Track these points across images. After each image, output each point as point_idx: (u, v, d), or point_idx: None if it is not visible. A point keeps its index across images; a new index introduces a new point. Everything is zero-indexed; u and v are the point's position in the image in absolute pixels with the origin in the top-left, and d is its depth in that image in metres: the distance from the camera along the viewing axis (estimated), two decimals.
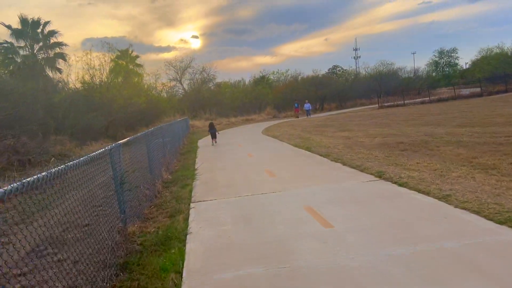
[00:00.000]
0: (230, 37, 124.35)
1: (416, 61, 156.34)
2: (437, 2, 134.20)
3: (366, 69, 64.36)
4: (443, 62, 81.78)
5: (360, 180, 8.64)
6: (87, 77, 29.63)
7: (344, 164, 10.77)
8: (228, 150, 17.47)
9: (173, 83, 61.86)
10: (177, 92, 63.43)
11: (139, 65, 58.92)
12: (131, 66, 58.14)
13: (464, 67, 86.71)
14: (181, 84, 62.15)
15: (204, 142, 23.37)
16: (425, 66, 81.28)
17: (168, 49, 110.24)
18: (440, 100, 43.17)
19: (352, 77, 59.58)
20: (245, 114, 50.18)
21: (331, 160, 11.59)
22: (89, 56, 29.60)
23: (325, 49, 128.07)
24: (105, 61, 30.88)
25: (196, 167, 13.20)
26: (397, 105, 43.32)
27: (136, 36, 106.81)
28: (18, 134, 18.10)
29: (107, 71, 30.28)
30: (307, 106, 42.38)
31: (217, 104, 56.30)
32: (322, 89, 51.87)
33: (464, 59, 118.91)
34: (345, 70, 74.98)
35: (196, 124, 44.82)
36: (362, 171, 9.57)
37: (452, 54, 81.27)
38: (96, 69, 29.70)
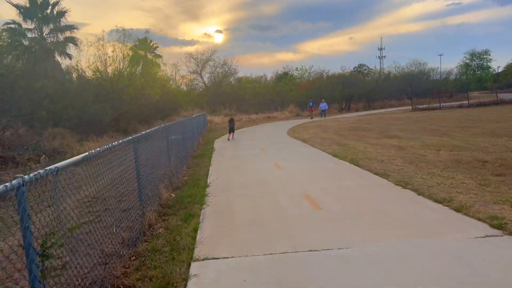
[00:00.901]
0: (254, 33, 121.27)
1: (443, 64, 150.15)
2: (467, 3, 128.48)
3: (397, 68, 60.03)
4: (475, 65, 76.56)
5: (466, 234, 5.21)
6: (99, 65, 26.66)
7: (418, 193, 7.34)
8: (249, 156, 14.18)
9: (193, 76, 58.67)
10: (197, 85, 60.39)
11: (158, 56, 56.16)
12: (149, 56, 55.49)
13: (496, 71, 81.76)
14: (201, 78, 59.08)
15: (222, 142, 20.15)
16: (455, 68, 76.43)
17: (192, 42, 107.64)
18: (480, 105, 39.13)
19: (382, 76, 55.42)
20: (266, 111, 46.84)
21: (395, 184, 8.17)
22: (101, 42, 26.63)
23: (349, 48, 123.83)
24: (119, 48, 27.79)
25: (208, 182, 9.93)
26: (432, 108, 39.44)
27: (161, 29, 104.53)
28: (4, 124, 15.11)
29: (122, 59, 27.19)
30: (323, 105, 38.06)
31: (237, 99, 53.13)
32: (349, 87, 48.07)
33: (496, 63, 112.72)
34: (371, 69, 71.09)
35: (214, 120, 41.68)
36: (458, 210, 6.14)
37: (484, 56, 75.88)
38: (109, 57, 26.70)
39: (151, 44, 56.50)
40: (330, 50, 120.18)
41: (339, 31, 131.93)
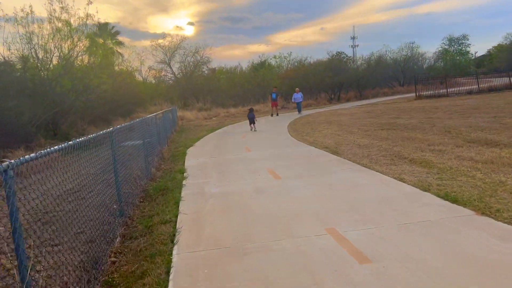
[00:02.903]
0: (227, 25, 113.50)
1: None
2: None
3: (388, 52, 53.50)
4: (453, 50, 70.97)
5: None
6: (21, 47, 18.71)
7: None
8: (255, 196, 7.01)
9: (160, 66, 50.73)
10: (166, 77, 52.53)
11: (120, 43, 48.04)
12: (110, 45, 47.27)
13: (474, 56, 77.05)
14: (170, 68, 51.21)
15: (200, 153, 12.95)
16: (433, 54, 70.82)
17: (163, 36, 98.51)
18: (492, 90, 33.19)
19: (372, 60, 48.93)
20: (246, 104, 39.70)
21: None
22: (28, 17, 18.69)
23: (320, 39, 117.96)
24: (55, 27, 19.87)
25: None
26: (439, 96, 33.26)
27: (130, 22, 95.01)
28: None
29: (58, 38, 19.30)
30: (298, 96, 28.42)
31: (211, 91, 45.68)
32: (339, 74, 41.38)
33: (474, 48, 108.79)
34: (350, 57, 64.69)
35: (186, 116, 34.27)
36: None
37: (463, 41, 70.48)
38: (39, 36, 18.80)
39: (112, 30, 48.27)
40: (302, 41, 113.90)
41: (310, 22, 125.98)
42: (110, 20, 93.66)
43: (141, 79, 52.59)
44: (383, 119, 17.57)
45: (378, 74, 45.46)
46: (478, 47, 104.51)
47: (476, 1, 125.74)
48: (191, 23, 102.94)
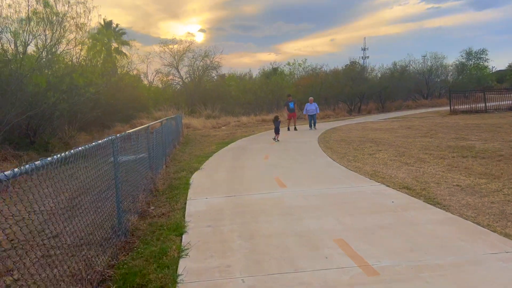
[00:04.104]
0: (237, 33, 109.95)
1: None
2: (445, 7, 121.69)
3: (412, 62, 49.12)
4: (471, 64, 66.65)
5: None
6: None
7: None
8: None
9: (167, 69, 46.73)
10: (173, 81, 48.53)
11: (126, 43, 44.16)
12: (114, 44, 43.43)
13: (491, 71, 72.68)
14: (178, 72, 47.18)
15: (209, 183, 8.73)
16: (450, 67, 66.56)
17: (174, 41, 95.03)
18: None
19: (397, 71, 44.58)
20: (258, 113, 35.58)
21: None
22: None
23: (329, 49, 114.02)
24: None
25: None
26: (477, 111, 28.96)
27: (142, 27, 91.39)
28: None
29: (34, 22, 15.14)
30: (312, 108, 22.03)
31: (221, 97, 41.59)
32: (360, 84, 37.19)
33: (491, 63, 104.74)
34: (364, 66, 60.44)
35: (193, 123, 30.13)
36: None
37: (482, 56, 66.31)
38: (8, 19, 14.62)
39: (117, 29, 44.47)
40: (312, 51, 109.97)
41: (321, 32, 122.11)
42: (122, 25, 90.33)
43: (147, 82, 48.89)
44: (443, 140, 13.31)
45: (401, 85, 41.17)
46: (494, 63, 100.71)
47: (485, 17, 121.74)
48: (202, 30, 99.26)
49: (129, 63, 42.25)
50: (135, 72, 46.49)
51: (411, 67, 47.78)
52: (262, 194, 7.36)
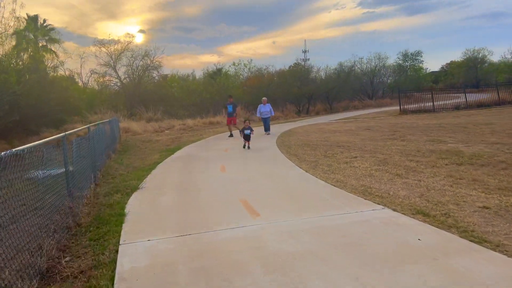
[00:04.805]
0: (179, 34, 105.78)
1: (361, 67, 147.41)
2: (380, 12, 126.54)
3: (358, 63, 48.99)
4: (406, 66, 68.80)
5: None
6: None
7: None
8: None
9: (104, 69, 42.79)
10: (110, 82, 44.58)
11: (55, 40, 39.75)
12: (42, 43, 38.91)
13: (425, 72, 75.74)
14: (116, 72, 43.37)
15: (152, 213, 6.34)
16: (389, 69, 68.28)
17: (113, 42, 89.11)
18: (481, 106, 29.11)
19: (345, 70, 43.95)
20: (204, 115, 33.11)
21: None
22: None
23: (271, 52, 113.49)
24: None
25: None
26: (425, 110, 28.67)
27: (79, 27, 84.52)
28: None
29: None
30: (266, 110, 19.16)
31: (163, 99, 38.59)
32: (307, 84, 35.98)
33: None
34: (308, 68, 59.98)
35: (133, 127, 27.06)
36: None
37: (417, 58, 68.79)
38: None
39: (45, 25, 39.91)
40: (254, 53, 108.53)
41: (263, 35, 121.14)
42: (56, 25, 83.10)
43: (81, 84, 44.56)
44: (418, 143, 11.83)
45: (347, 86, 40.58)
46: (428, 64, 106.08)
47: (418, 21, 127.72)
48: (142, 31, 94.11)
49: (60, 63, 38.14)
50: (67, 73, 42.40)
51: (356, 67, 47.63)
52: (229, 231, 5.14)
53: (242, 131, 13.86)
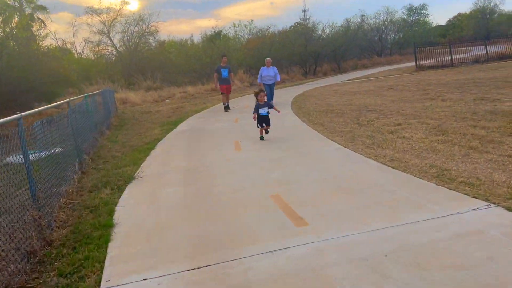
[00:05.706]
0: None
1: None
2: None
3: (365, 18, 45.79)
4: (411, 20, 65.24)
5: None
6: None
7: None
8: None
9: (98, 37, 40.10)
10: (106, 51, 41.95)
11: (43, 8, 36.95)
12: (28, 10, 36.14)
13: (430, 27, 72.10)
14: (110, 40, 40.69)
15: (152, 213, 4.52)
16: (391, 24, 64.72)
17: (108, 11, 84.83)
18: (503, 58, 26.72)
19: (351, 28, 41.07)
20: (206, 81, 30.84)
21: None
22: None
23: (270, 13, 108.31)
24: None
25: None
26: (443, 66, 26.35)
27: None
28: None
29: None
30: (270, 73, 14.27)
31: (162, 66, 36.20)
32: (314, 43, 33.44)
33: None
34: (310, 27, 56.61)
35: (131, 98, 24.97)
36: None
37: (422, 11, 65.31)
38: None
39: None
40: (252, 15, 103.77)
41: None
42: None
43: (76, 54, 42.09)
44: (465, 103, 9.84)
45: (355, 44, 37.94)
46: (434, 18, 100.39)
47: None
48: None
49: (51, 33, 35.61)
50: (60, 43, 39.85)
51: (364, 23, 44.62)
52: (268, 257, 3.29)
53: (256, 109, 8.29)
